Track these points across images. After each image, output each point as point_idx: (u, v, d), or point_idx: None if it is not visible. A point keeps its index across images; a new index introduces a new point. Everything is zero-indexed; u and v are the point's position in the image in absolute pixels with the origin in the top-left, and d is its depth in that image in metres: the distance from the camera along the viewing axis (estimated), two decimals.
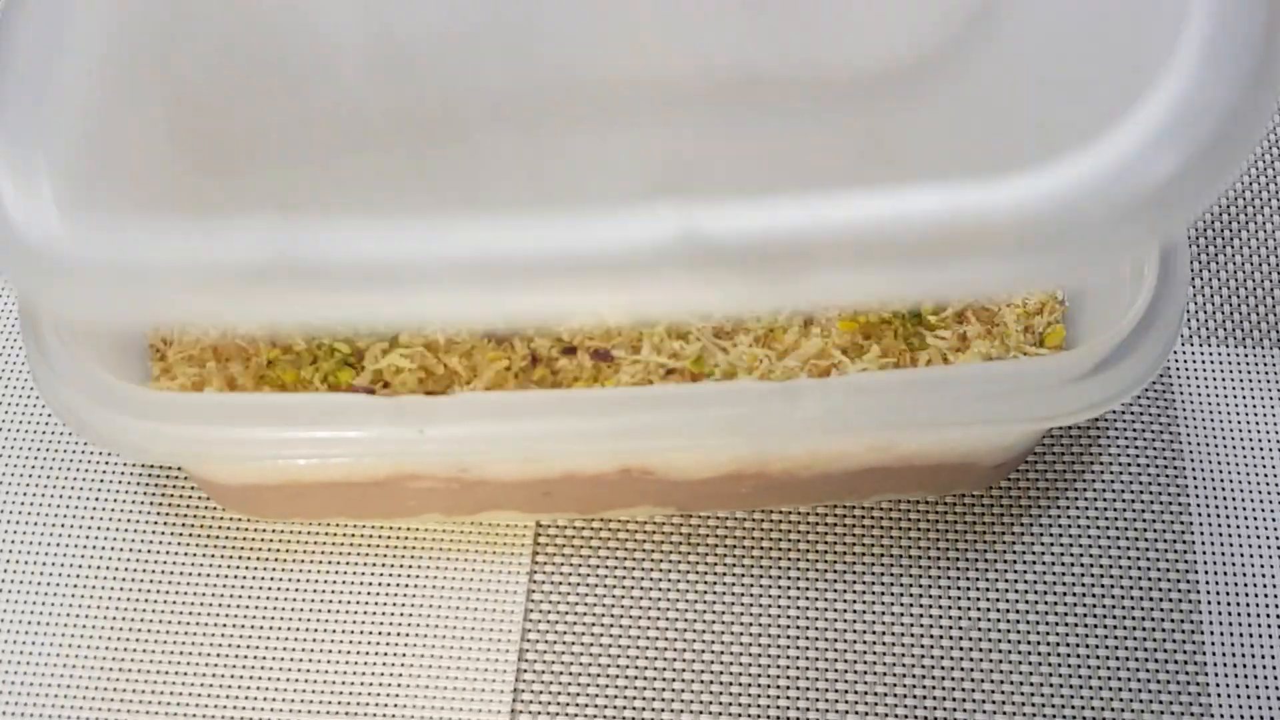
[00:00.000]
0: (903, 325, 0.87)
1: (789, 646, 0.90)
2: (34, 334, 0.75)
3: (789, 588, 0.92)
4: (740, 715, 0.87)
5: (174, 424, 0.73)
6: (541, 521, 0.94)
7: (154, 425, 0.73)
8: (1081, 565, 0.92)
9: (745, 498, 0.92)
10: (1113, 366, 0.74)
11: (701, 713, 0.88)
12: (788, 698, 0.88)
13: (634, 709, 0.88)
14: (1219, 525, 0.93)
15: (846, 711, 0.87)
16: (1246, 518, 0.94)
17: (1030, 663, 0.89)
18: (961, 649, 0.90)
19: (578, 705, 0.88)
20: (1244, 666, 0.89)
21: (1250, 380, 0.98)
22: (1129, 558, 0.92)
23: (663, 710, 0.88)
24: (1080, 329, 0.88)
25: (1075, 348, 0.87)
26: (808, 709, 0.88)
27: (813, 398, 0.73)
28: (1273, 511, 0.94)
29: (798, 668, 0.89)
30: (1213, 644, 0.89)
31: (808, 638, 0.90)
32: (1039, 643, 0.90)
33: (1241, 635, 0.90)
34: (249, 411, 0.74)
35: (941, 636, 0.90)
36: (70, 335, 0.76)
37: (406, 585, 0.92)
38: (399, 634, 0.90)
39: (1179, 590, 0.91)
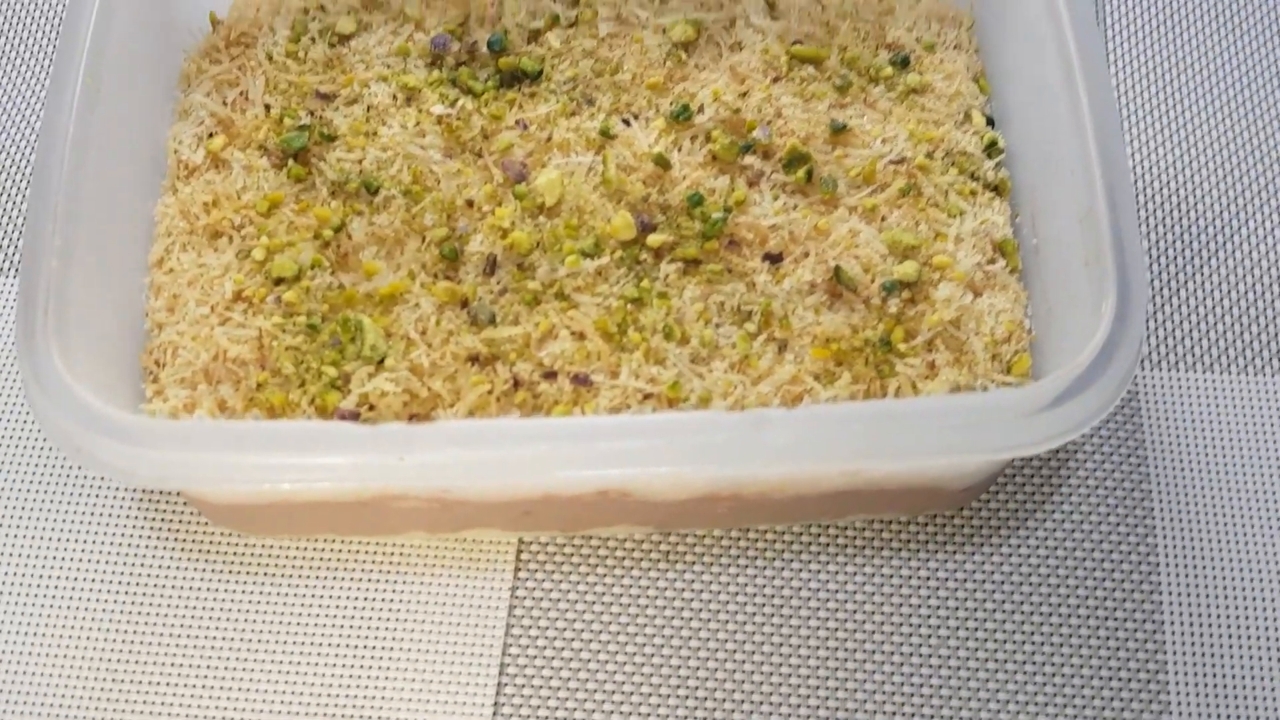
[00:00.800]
0: (874, 353, 0.89)
1: (764, 662, 0.92)
2: (30, 359, 0.78)
3: (764, 605, 0.94)
4: None
5: (163, 450, 0.76)
6: (524, 539, 0.96)
7: (144, 451, 0.76)
8: (1049, 585, 0.95)
9: (722, 517, 0.95)
10: (1071, 399, 0.77)
11: None
12: (764, 710, 0.91)
13: None
14: (1184, 545, 0.96)
15: None
16: (1211, 540, 0.96)
17: (997, 680, 0.92)
18: (931, 666, 0.92)
19: (557, 718, 0.91)
20: (1208, 689, 0.91)
21: (1217, 405, 1.01)
22: (1095, 578, 0.95)
23: None
24: (1046, 356, 0.90)
25: (1041, 376, 0.90)
26: None
27: (781, 427, 0.76)
28: (1238, 533, 0.96)
29: (771, 683, 0.92)
30: (1176, 664, 0.92)
31: (781, 654, 0.93)
32: (1006, 660, 0.92)
33: (1205, 655, 0.92)
34: (237, 439, 0.77)
35: (912, 654, 0.93)
36: (65, 358, 0.79)
37: (392, 600, 0.94)
38: (384, 647, 0.93)
39: (1143, 610, 0.94)
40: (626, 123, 0.98)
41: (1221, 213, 1.08)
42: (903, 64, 1.02)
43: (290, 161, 0.96)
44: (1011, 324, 0.91)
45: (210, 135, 0.99)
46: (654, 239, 0.92)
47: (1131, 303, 0.78)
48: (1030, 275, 0.94)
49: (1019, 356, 0.90)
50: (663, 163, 0.95)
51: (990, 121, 1.01)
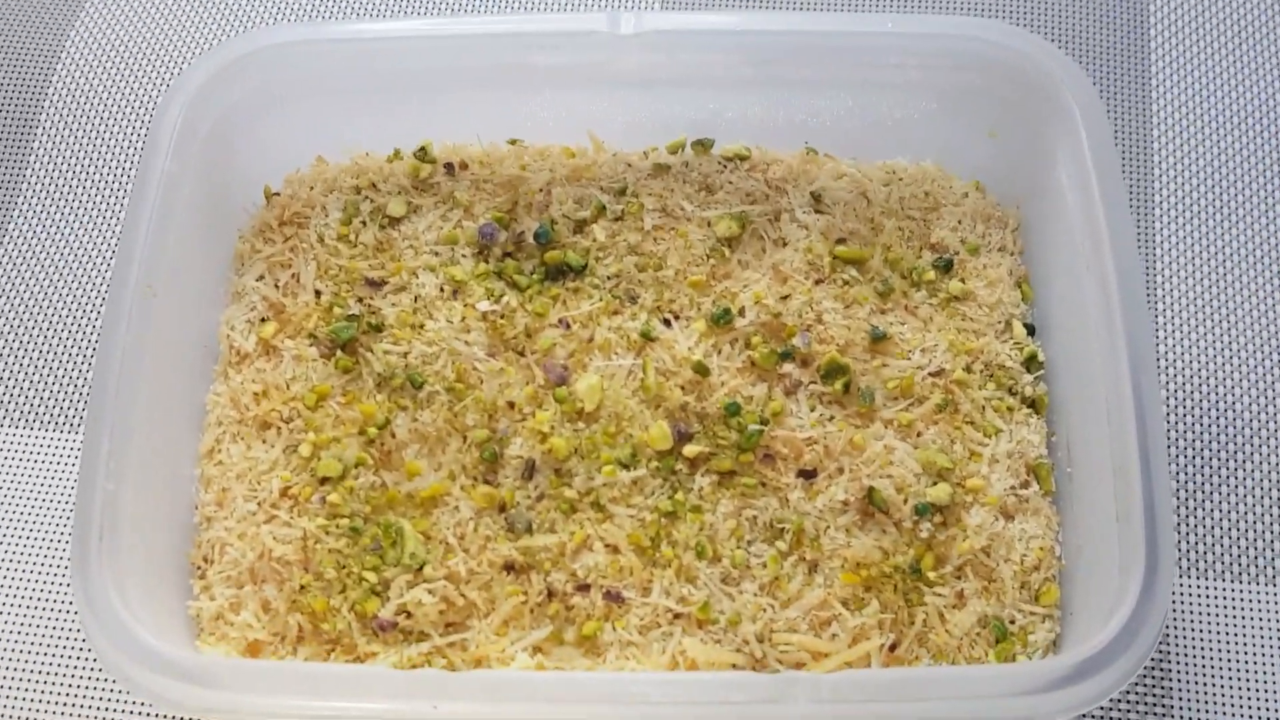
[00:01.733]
0: (903, 580, 0.90)
1: None
2: (84, 588, 0.81)
3: None
4: None
5: (211, 689, 0.78)
6: None
7: (192, 689, 0.78)
8: None
9: None
10: (1091, 676, 0.77)
11: None
12: None
13: None
14: None
15: None
16: None
17: None
18: None
19: None
20: None
21: (1243, 614, 1.01)
22: None
23: None
24: (1075, 586, 0.91)
25: (1068, 605, 0.90)
26: None
27: (804, 693, 0.77)
28: None
29: None
30: None
31: None
32: None
33: None
34: (282, 680, 0.79)
35: None
36: (117, 583, 0.82)
37: None
38: None
39: None
40: (667, 323, 0.99)
41: (1256, 415, 1.08)
42: (945, 268, 1.02)
43: (339, 352, 0.98)
44: (1042, 551, 0.92)
45: (263, 320, 1.01)
46: (690, 449, 0.93)
47: (1159, 576, 0.79)
48: (1063, 499, 0.95)
49: (1047, 586, 0.91)
50: (702, 370, 0.96)
51: (1030, 330, 1.01)
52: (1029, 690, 0.77)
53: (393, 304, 1.00)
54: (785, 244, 1.02)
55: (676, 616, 0.89)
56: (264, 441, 0.96)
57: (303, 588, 0.90)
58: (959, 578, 0.90)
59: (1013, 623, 0.89)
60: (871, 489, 0.91)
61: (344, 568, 0.90)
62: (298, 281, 1.02)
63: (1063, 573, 0.92)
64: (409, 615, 0.89)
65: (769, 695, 0.77)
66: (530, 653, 0.88)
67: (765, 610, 0.88)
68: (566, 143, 1.06)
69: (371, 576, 0.89)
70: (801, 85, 1.04)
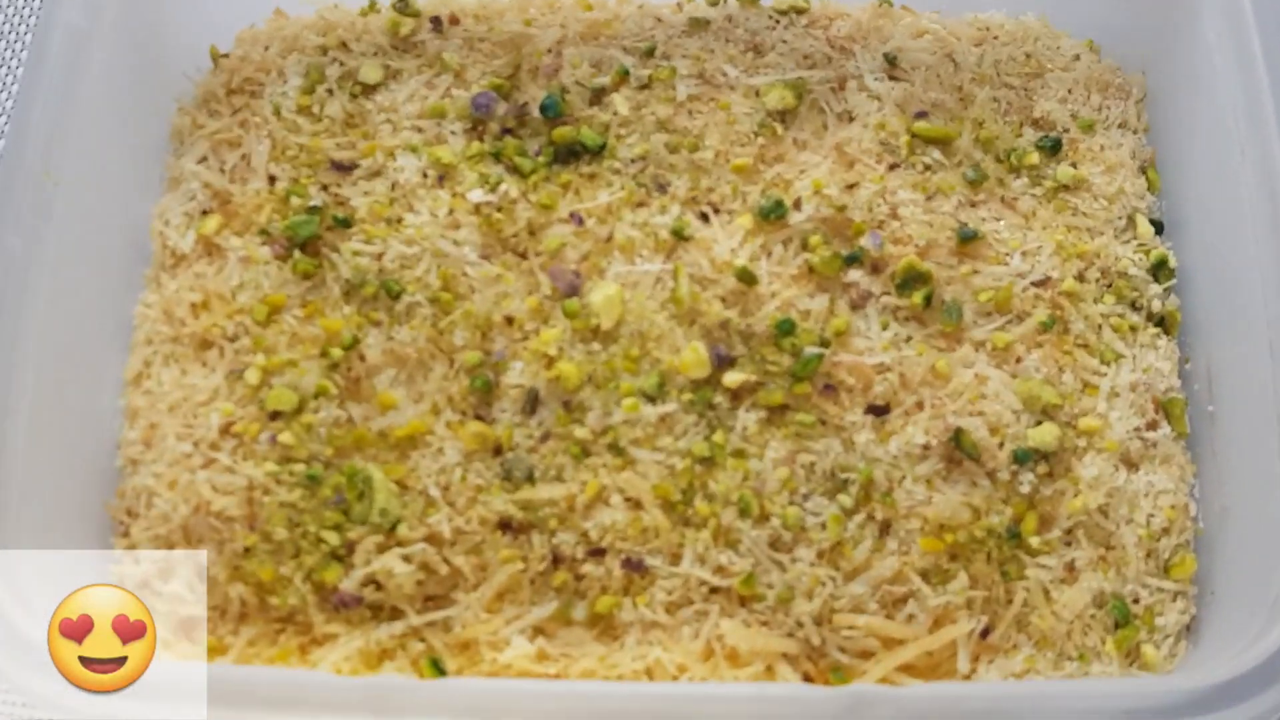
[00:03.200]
0: (998, 547, 0.72)
1: None
2: None
3: None
4: None
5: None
6: None
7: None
8: None
9: None
10: (1235, 704, 0.59)
11: None
12: None
13: None
14: None
15: None
16: None
17: None
18: None
19: None
20: None
21: None
22: None
23: None
24: (1219, 558, 0.73)
25: (1209, 582, 0.72)
26: None
27: (875, 712, 0.60)
28: None
29: None
30: None
31: None
32: None
33: None
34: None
35: None
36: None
37: None
38: None
39: None
40: (705, 218, 0.80)
41: None
42: (1052, 149, 0.83)
43: (297, 252, 0.80)
44: (1173, 511, 0.74)
45: (204, 213, 0.83)
46: (732, 378, 0.76)
47: None
48: (1201, 444, 0.77)
49: (1181, 556, 0.74)
50: (747, 277, 0.77)
51: (1159, 228, 0.82)
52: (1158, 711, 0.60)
53: (365, 193, 0.82)
54: (852, 119, 0.85)
55: (713, 591, 0.73)
56: (203, 365, 0.80)
57: (247, 550, 0.74)
58: (1069, 544, 0.75)
59: (1136, 601, 0.74)
60: (959, 430, 0.75)
61: (298, 526, 0.75)
62: (248, 164, 0.84)
63: (1200, 539, 0.76)
64: (379, 587, 0.74)
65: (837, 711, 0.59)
66: (529, 635, 0.73)
67: (824, 584, 0.73)
68: None
69: (333, 537, 0.74)
70: None
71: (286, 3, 0.90)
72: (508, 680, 0.69)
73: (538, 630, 0.72)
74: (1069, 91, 0.85)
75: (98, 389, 0.79)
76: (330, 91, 0.85)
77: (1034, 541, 0.73)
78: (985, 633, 0.72)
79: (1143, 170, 0.84)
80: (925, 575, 0.72)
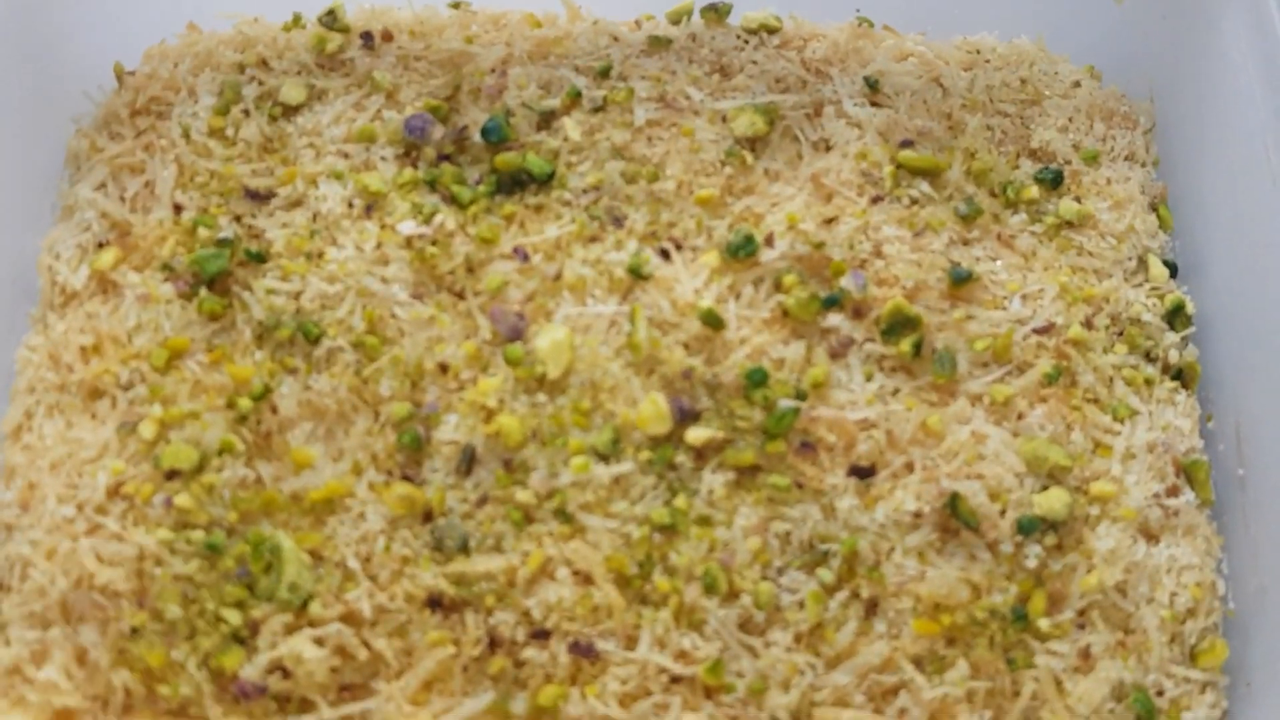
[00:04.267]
0: (1002, 630, 0.64)
1: None
2: None
3: None
4: None
5: None
6: None
7: None
8: None
9: None
10: None
11: None
12: None
13: None
14: None
15: None
16: None
17: None
18: None
19: None
20: None
21: None
22: None
23: None
24: (1253, 643, 0.64)
25: (1243, 672, 0.63)
26: None
27: None
28: None
29: None
30: None
31: None
32: None
33: None
34: None
35: None
36: None
37: None
38: None
39: None
40: (665, 255, 0.72)
41: None
42: (1053, 182, 0.76)
43: (203, 290, 0.72)
44: (1199, 590, 0.67)
45: (99, 246, 0.74)
46: (696, 434, 0.67)
47: None
48: (1229, 513, 0.69)
49: (1210, 641, 0.66)
50: (713, 321, 0.69)
51: (1173, 270, 0.75)
52: None
53: (282, 225, 0.74)
54: (829, 148, 0.78)
55: (674, 680, 0.65)
56: (92, 417, 0.70)
57: (135, 631, 0.65)
58: (1083, 627, 0.66)
59: (1160, 694, 0.66)
60: (955, 495, 0.66)
61: (194, 603, 0.66)
62: (151, 192, 0.76)
63: (1231, 622, 0.67)
64: (286, 675, 0.65)
65: None
66: None
67: (803, 673, 0.65)
68: (529, 6, 0.83)
69: (234, 617, 0.65)
70: None
71: (201, 17, 0.81)
72: None
73: None
74: (1069, 120, 0.78)
75: None
76: (246, 112, 0.76)
77: (1043, 624, 0.64)
78: None
79: (1153, 207, 0.76)
80: (919, 663, 0.64)
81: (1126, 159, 0.77)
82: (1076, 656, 0.64)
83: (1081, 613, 0.65)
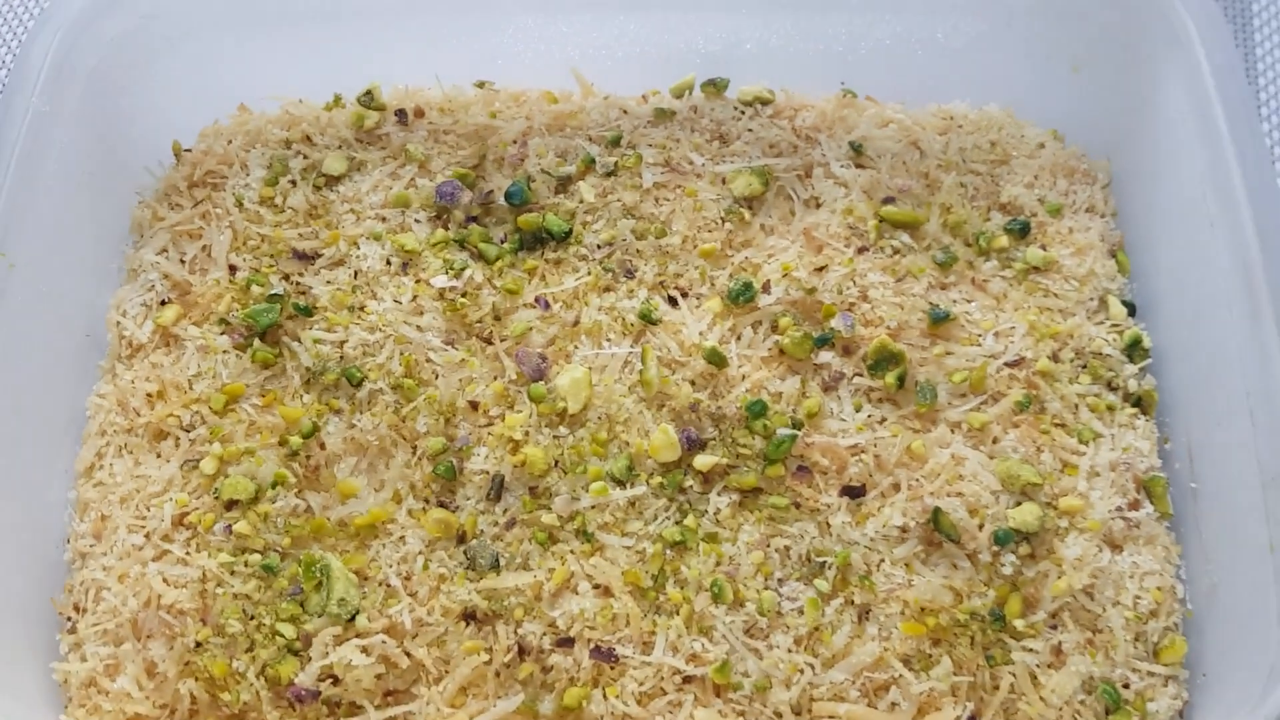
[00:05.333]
0: (982, 631, 0.69)
1: None
2: None
3: None
4: None
5: None
6: None
7: None
8: None
9: None
10: None
11: None
12: None
13: None
14: None
15: None
16: None
17: None
18: None
19: None
20: None
21: None
22: None
23: None
24: (1207, 640, 0.70)
25: (1200, 667, 0.69)
26: None
27: None
28: None
29: None
30: None
31: None
32: None
33: None
34: None
35: None
36: None
37: None
38: None
39: None
40: (673, 302, 0.79)
41: None
42: (1021, 232, 0.82)
43: (256, 341, 0.78)
44: (1160, 593, 0.71)
45: (162, 303, 0.81)
46: (702, 461, 0.73)
47: None
48: (1185, 524, 0.74)
49: (1170, 639, 0.71)
50: (717, 359, 0.75)
51: (1132, 310, 0.80)
52: None
53: (327, 281, 0.80)
54: (819, 205, 0.83)
55: (686, 680, 0.70)
56: (157, 455, 0.76)
57: (199, 645, 0.70)
58: (1055, 627, 0.71)
59: (1127, 686, 0.70)
60: (937, 511, 0.71)
61: (253, 619, 0.71)
62: (208, 255, 0.82)
63: (1189, 621, 0.72)
64: (336, 682, 0.70)
65: None
66: None
67: (802, 671, 0.69)
68: (547, 85, 0.89)
69: (288, 630, 0.70)
70: (836, 7, 0.84)
71: (251, 99, 0.88)
72: None
73: None
74: (1035, 177, 0.84)
75: (47, 481, 0.76)
76: (294, 183, 0.84)
77: (1019, 625, 0.69)
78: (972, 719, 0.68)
79: (1112, 253, 0.82)
80: (907, 661, 0.69)
81: (1087, 210, 0.83)
82: (1049, 653, 0.69)
83: (1053, 615, 0.70)
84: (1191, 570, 0.72)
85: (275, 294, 0.79)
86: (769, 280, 0.78)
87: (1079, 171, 0.85)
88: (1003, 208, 0.83)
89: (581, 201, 0.82)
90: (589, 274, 0.79)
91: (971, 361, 0.77)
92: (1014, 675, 0.69)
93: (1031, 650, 0.69)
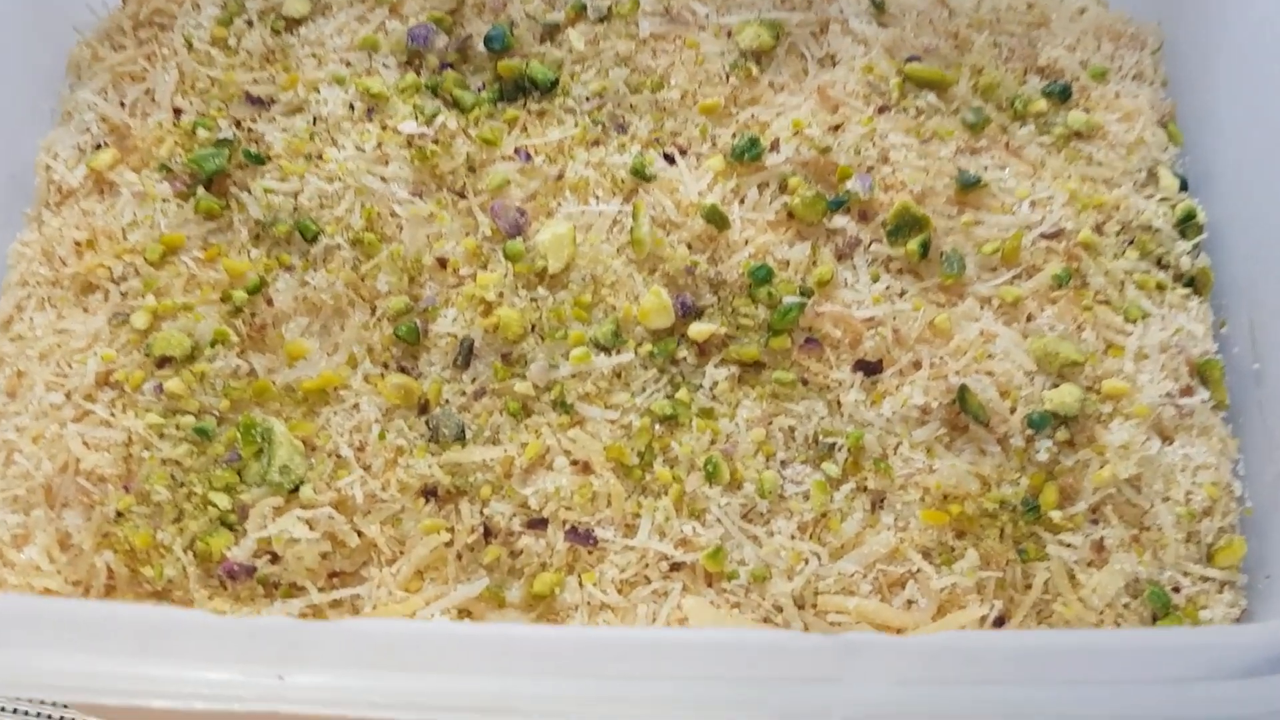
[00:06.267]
0: (1013, 522, 0.61)
1: None
2: None
3: None
4: None
5: None
6: None
7: None
8: None
9: None
10: None
11: None
12: None
13: None
14: None
15: None
16: None
17: None
18: None
19: None
20: None
21: None
22: None
23: None
24: (1271, 541, 0.62)
25: (1261, 569, 0.61)
26: None
27: (875, 662, 0.48)
28: None
29: None
30: None
31: None
32: None
33: None
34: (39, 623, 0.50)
35: None
36: None
37: None
38: None
39: None
40: (670, 159, 0.70)
41: None
42: (1061, 96, 0.74)
43: (200, 190, 0.70)
44: (1215, 489, 0.63)
45: (97, 147, 0.72)
46: (698, 329, 0.65)
47: None
48: (1245, 413, 0.66)
49: (1227, 539, 0.63)
50: (717, 219, 0.67)
51: (1184, 184, 0.72)
52: (1212, 674, 0.50)
53: (282, 129, 0.72)
54: (835, 63, 0.75)
55: (674, 568, 0.62)
56: (84, 310, 0.68)
57: (120, 515, 0.62)
58: (1095, 522, 0.63)
59: (1177, 590, 0.62)
60: (963, 390, 0.63)
61: (183, 486, 0.62)
62: (152, 100, 0.74)
63: (1249, 520, 0.64)
64: (275, 559, 0.61)
65: (818, 671, 0.47)
66: (454, 618, 0.61)
67: (807, 561, 0.61)
68: None
69: (222, 500, 0.61)
70: None
71: None
72: (417, 624, 0.56)
73: (463, 612, 0.60)
74: (1077, 40, 0.76)
75: None
76: (249, 23, 0.75)
77: (1055, 516, 0.61)
78: (999, 621, 0.60)
79: (1162, 124, 0.74)
80: (927, 554, 0.61)
81: (1134, 78, 0.75)
82: (1090, 550, 0.61)
83: (1094, 508, 0.62)
84: (1252, 463, 0.65)
85: (224, 139, 0.70)
86: (778, 138, 0.70)
87: (1125, 35, 0.77)
88: (1040, 71, 0.75)
89: (570, 50, 0.74)
90: (576, 126, 0.71)
91: (1004, 231, 0.68)
92: (1049, 572, 0.61)
93: (1069, 545, 0.61)
